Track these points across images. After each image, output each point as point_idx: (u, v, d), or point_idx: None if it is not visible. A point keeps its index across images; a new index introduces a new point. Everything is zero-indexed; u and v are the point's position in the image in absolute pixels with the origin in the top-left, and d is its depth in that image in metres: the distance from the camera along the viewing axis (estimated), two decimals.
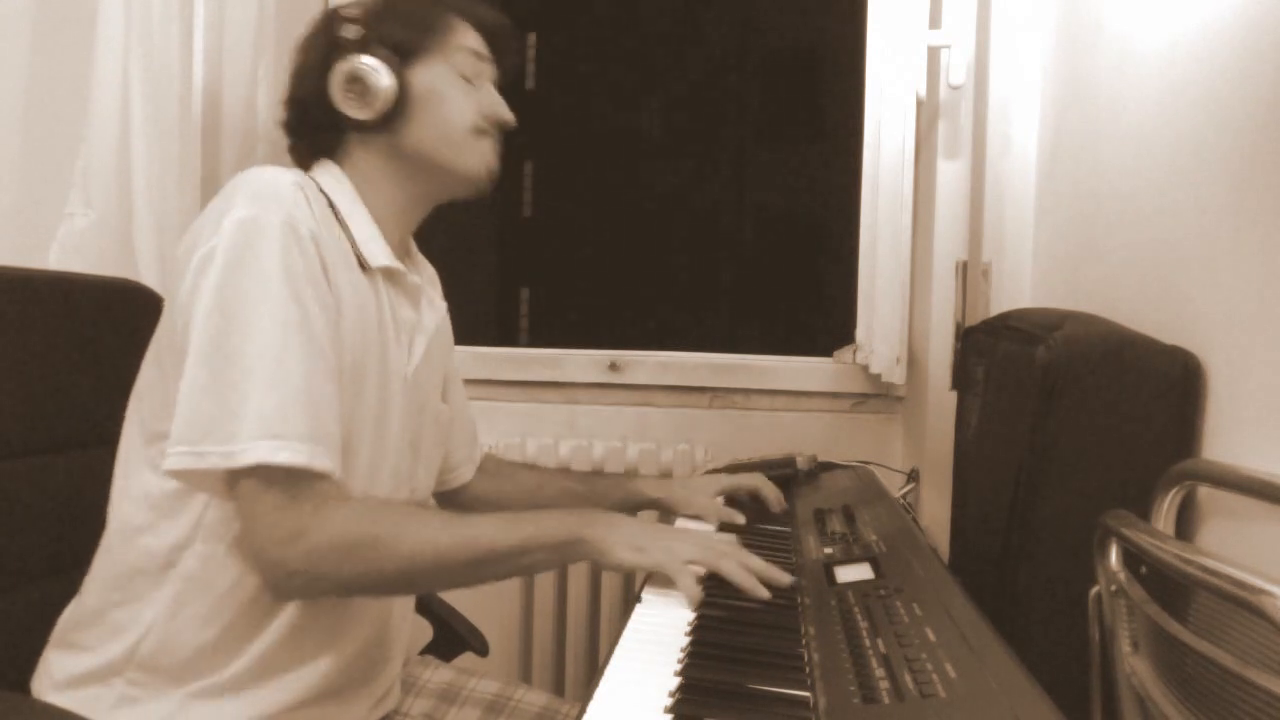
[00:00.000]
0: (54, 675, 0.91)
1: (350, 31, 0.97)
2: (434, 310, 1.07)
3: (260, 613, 0.89)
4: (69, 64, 1.55)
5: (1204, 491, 0.92)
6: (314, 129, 1.00)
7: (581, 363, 1.85)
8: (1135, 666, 0.83)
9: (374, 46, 0.96)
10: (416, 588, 1.00)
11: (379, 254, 0.97)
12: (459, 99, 1.00)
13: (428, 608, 1.29)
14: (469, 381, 1.82)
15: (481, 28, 1.05)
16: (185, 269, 0.86)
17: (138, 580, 0.89)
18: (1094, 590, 0.90)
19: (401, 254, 1.04)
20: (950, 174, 1.63)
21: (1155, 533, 0.84)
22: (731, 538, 0.99)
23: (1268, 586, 0.64)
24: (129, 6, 1.43)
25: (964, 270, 1.60)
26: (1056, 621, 0.99)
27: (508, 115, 1.04)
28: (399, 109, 0.97)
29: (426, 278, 1.11)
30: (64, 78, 1.57)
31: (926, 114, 1.66)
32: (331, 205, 0.95)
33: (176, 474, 0.83)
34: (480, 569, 0.90)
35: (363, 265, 0.95)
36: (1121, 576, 0.85)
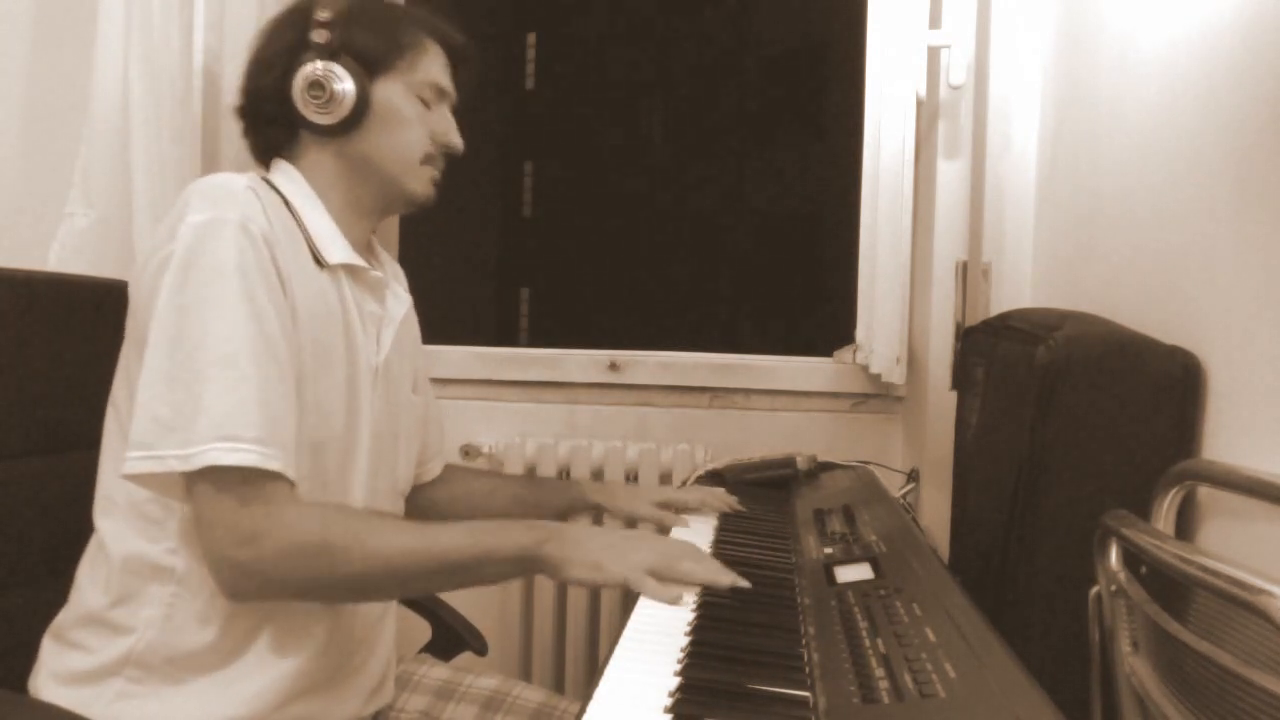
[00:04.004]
0: (52, 673, 0.91)
1: (321, 35, 0.97)
2: (399, 302, 1.08)
3: (252, 610, 0.90)
4: (69, 64, 1.55)
5: (1204, 491, 0.92)
6: (268, 122, 1.01)
7: (581, 363, 1.85)
8: (1135, 666, 0.83)
9: (342, 55, 0.97)
10: (370, 595, 0.98)
11: (337, 251, 0.98)
12: (413, 123, 1.02)
13: (425, 607, 1.28)
14: (470, 382, 1.83)
15: (450, 50, 1.06)
16: (144, 275, 0.88)
17: (130, 582, 0.89)
18: (1094, 590, 0.90)
19: (363, 250, 1.04)
20: (950, 174, 1.63)
21: (1155, 533, 0.84)
22: (687, 542, 0.98)
23: (1268, 586, 0.64)
24: (129, 6, 1.43)
25: (964, 270, 1.60)
26: (1056, 621, 0.99)
27: (457, 142, 1.06)
28: (355, 118, 0.98)
29: (390, 273, 1.12)
30: (64, 78, 1.57)
31: (926, 114, 1.66)
32: (288, 205, 0.95)
33: (136, 478, 0.83)
34: (434, 579, 0.91)
35: (320, 262, 0.96)
36: (1121, 576, 0.85)
